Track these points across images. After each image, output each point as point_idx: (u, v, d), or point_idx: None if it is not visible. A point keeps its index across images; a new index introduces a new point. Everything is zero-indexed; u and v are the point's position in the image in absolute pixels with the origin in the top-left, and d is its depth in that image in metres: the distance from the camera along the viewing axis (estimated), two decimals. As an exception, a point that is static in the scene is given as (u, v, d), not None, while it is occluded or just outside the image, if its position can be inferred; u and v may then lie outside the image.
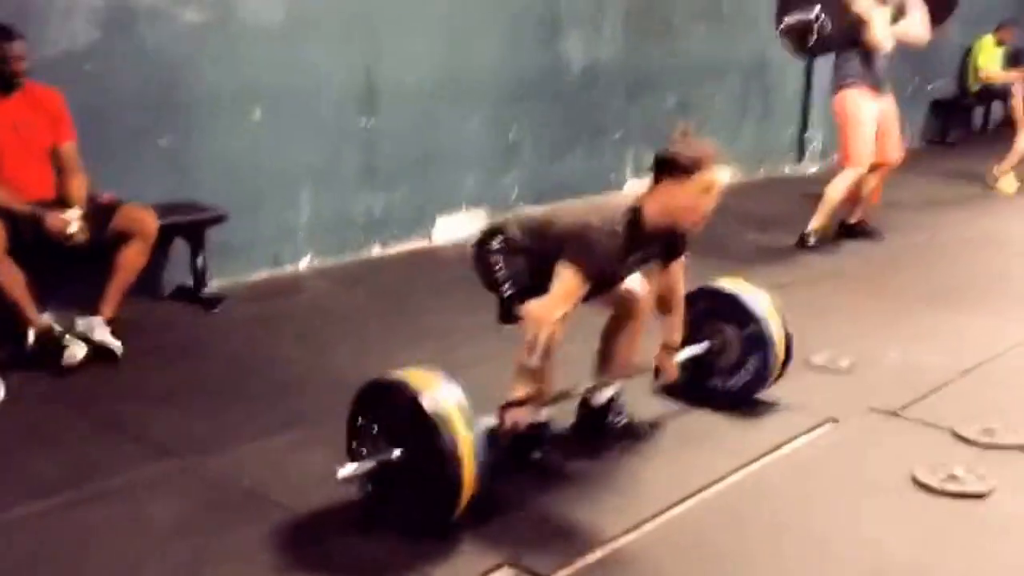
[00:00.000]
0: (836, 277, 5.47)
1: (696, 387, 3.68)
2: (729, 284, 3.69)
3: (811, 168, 8.65)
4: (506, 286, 3.15)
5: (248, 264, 5.12)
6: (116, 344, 4.00)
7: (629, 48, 6.86)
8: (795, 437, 3.44)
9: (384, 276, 5.35)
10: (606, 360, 3.41)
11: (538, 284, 3.01)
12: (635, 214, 3.04)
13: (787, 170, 8.61)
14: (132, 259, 4.12)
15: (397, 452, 2.75)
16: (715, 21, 7.51)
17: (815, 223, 6.10)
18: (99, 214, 4.09)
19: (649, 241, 3.10)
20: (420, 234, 5.90)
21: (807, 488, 3.14)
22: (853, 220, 6.37)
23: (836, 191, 6.12)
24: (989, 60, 10.63)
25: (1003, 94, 10.63)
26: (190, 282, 4.79)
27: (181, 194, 4.74)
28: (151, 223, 4.15)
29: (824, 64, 8.19)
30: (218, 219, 4.71)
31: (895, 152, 6.21)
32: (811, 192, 6.85)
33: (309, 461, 3.21)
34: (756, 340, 3.57)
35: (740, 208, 6.45)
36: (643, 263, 3.20)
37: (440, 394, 2.72)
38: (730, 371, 3.64)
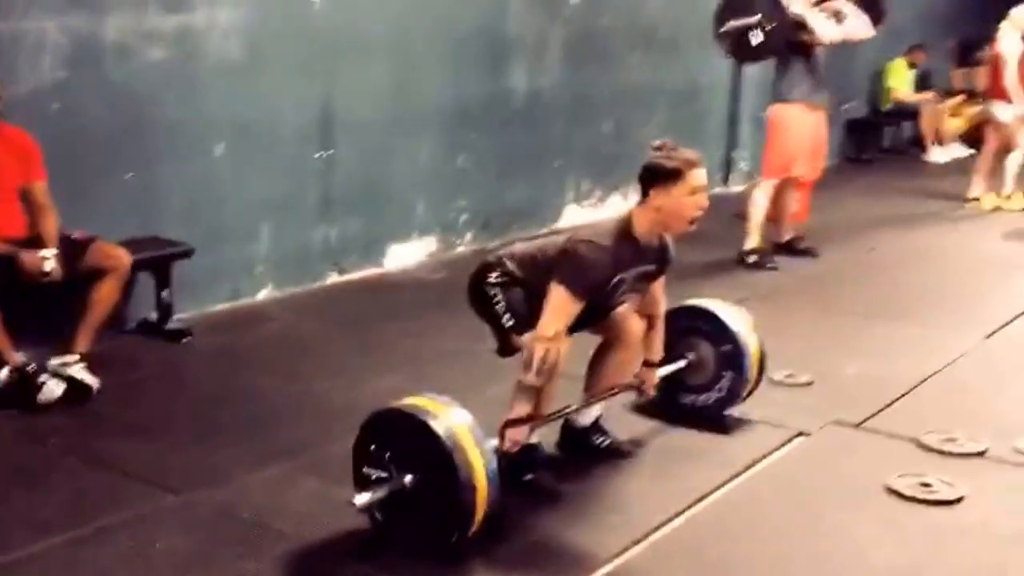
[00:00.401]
0: (782, 294, 5.69)
1: (668, 403, 3.83)
2: (706, 302, 3.84)
3: (737, 188, 8.94)
4: (506, 318, 3.25)
5: (209, 297, 5.12)
6: (92, 380, 3.98)
7: (568, 76, 7.05)
8: (771, 452, 3.60)
9: (344, 304, 5.40)
10: (593, 385, 3.52)
11: (535, 316, 3.12)
12: (626, 227, 3.18)
13: (716, 190, 8.88)
14: (106, 295, 4.11)
15: (409, 478, 2.81)
16: (648, 50, 7.75)
17: (751, 242, 6.34)
18: (72, 251, 4.06)
19: (641, 255, 3.23)
20: (374, 262, 5.96)
21: (789, 500, 3.30)
22: (786, 238, 6.64)
23: (757, 205, 6.37)
24: (900, 82, 11.15)
25: (914, 114, 11.21)
26: (153, 316, 4.78)
27: (144, 229, 4.74)
28: (125, 259, 4.15)
29: (750, 88, 8.59)
30: (186, 253, 4.72)
31: (817, 169, 6.49)
32: (743, 211, 7.14)
33: (305, 490, 3.27)
34: (732, 358, 3.72)
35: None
36: (638, 281, 3.31)
37: (451, 419, 2.81)
38: (704, 388, 3.80)
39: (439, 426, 2.78)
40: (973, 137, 11.49)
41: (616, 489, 3.36)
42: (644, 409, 3.89)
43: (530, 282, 3.22)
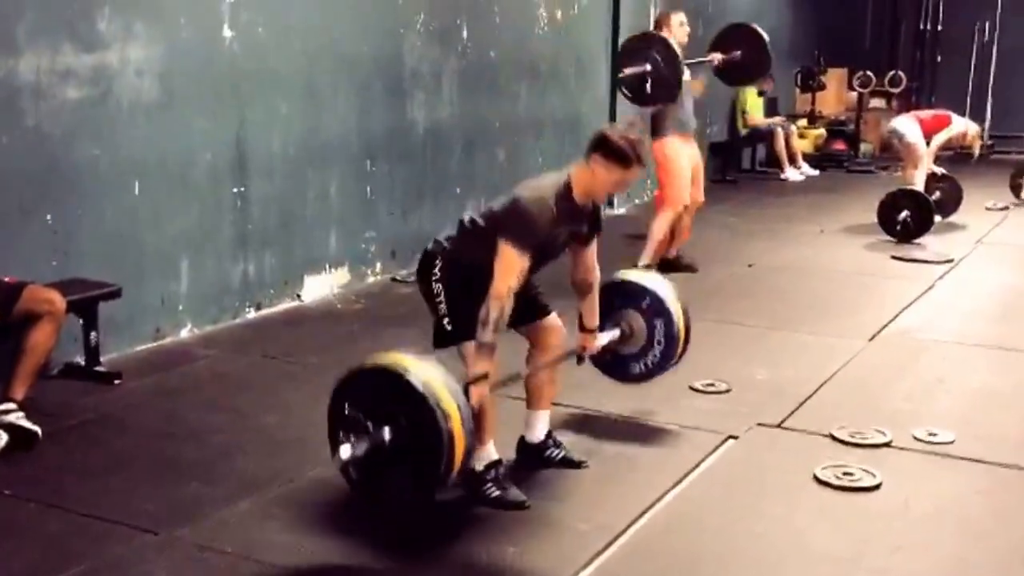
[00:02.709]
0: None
1: (624, 377, 4.12)
2: (619, 274, 4.11)
3: (620, 210, 9.38)
4: (446, 321, 3.42)
5: (131, 337, 5.10)
6: (34, 427, 3.95)
7: (464, 109, 7.30)
8: (708, 455, 3.91)
9: (267, 338, 5.45)
10: (533, 394, 3.74)
11: (474, 308, 3.25)
12: (566, 186, 3.40)
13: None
14: (42, 340, 4.06)
15: (387, 433, 2.93)
16: (534, 81, 8.09)
17: (645, 260, 6.72)
18: (3, 296, 4.03)
19: (575, 215, 3.44)
20: (289, 295, 6.04)
21: (732, 497, 3.61)
22: (671, 255, 7.06)
23: (660, 230, 6.79)
24: (753, 108, 11.89)
25: (767, 137, 11.97)
26: (79, 359, 4.75)
27: (63, 271, 4.71)
28: (59, 303, 4.12)
29: (625, 116, 9.02)
30: (112, 294, 4.70)
31: (701, 192, 7.01)
32: (628, 232, 7.55)
33: (282, 521, 3.36)
34: (656, 309, 3.99)
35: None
36: (572, 239, 3.52)
37: (424, 371, 2.95)
38: (644, 351, 4.04)
39: (414, 378, 2.91)
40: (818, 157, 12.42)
41: (575, 500, 3.58)
42: (585, 425, 4.16)
43: (472, 259, 3.33)
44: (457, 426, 2.90)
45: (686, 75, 6.61)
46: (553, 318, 3.68)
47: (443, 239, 3.51)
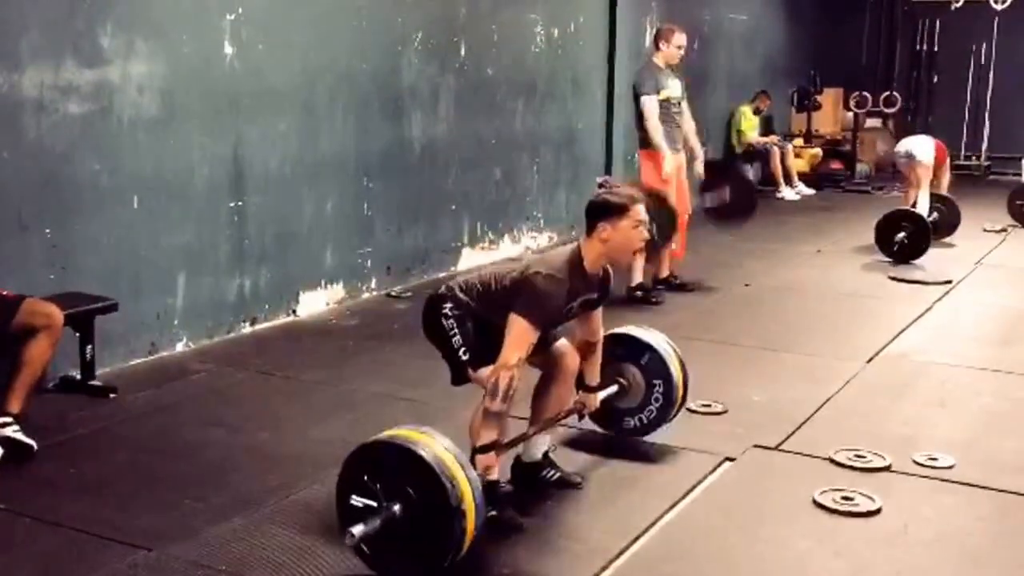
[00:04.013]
0: (679, 329, 5.95)
1: (617, 430, 4.13)
2: (622, 329, 4.13)
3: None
4: (462, 351, 3.44)
5: (127, 352, 5.09)
6: (30, 441, 3.93)
7: (461, 126, 7.31)
8: (704, 477, 3.90)
9: (262, 354, 5.43)
10: (537, 419, 3.74)
11: (488, 346, 3.32)
12: (576, 259, 3.46)
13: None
14: (39, 354, 4.05)
15: (398, 507, 2.93)
16: (531, 99, 8.10)
17: (638, 277, 6.73)
18: (1, 309, 4.02)
19: (588, 285, 3.51)
20: (285, 310, 6.03)
21: (730, 520, 3.59)
22: (664, 274, 7.06)
23: None
24: (749, 126, 11.92)
25: (763, 156, 11.99)
26: (75, 372, 4.73)
27: (61, 284, 4.70)
28: (57, 316, 4.11)
29: (620, 132, 9.06)
30: (109, 308, 4.70)
31: (686, 204, 7.01)
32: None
33: (275, 539, 3.34)
34: (656, 368, 4.02)
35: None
36: (582, 308, 3.57)
37: (437, 447, 2.96)
38: (641, 407, 4.06)
39: (427, 454, 2.92)
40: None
41: (571, 521, 3.57)
42: (582, 443, 4.15)
43: (483, 313, 3.43)
44: (469, 503, 2.91)
45: (677, 91, 6.71)
46: (563, 343, 3.69)
47: (452, 288, 3.52)
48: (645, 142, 6.71)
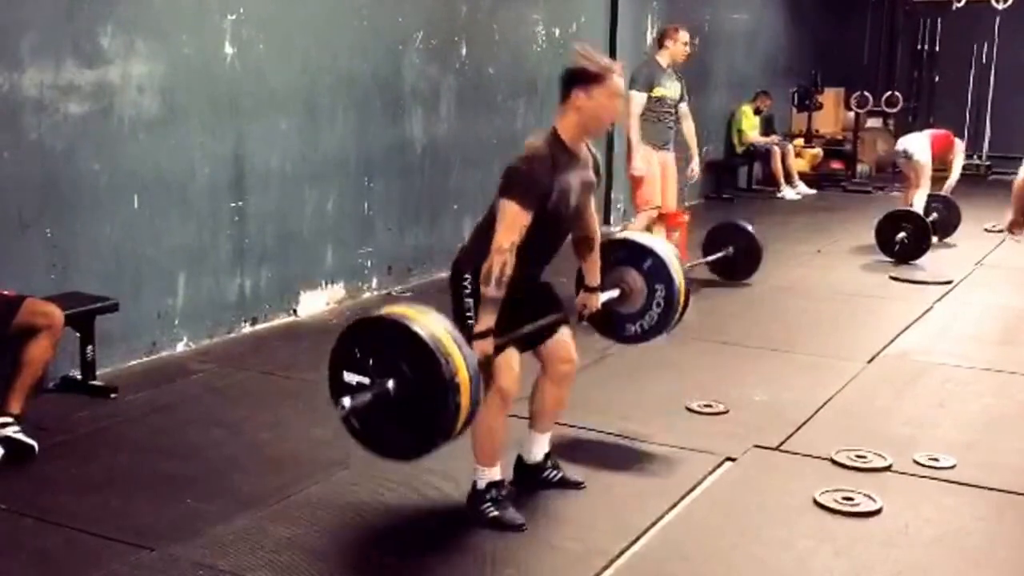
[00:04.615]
0: (680, 328, 6.01)
1: (618, 337, 4.12)
2: (623, 234, 4.14)
3: (617, 228, 9.36)
4: (468, 317, 3.35)
5: (128, 351, 5.09)
6: (31, 441, 3.94)
7: (462, 125, 7.31)
8: (705, 476, 3.90)
9: (263, 354, 5.43)
10: (536, 419, 3.73)
11: (508, 311, 3.25)
12: (552, 133, 3.37)
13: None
14: (39, 354, 4.06)
15: (391, 383, 2.91)
16: (531, 98, 8.09)
17: None
18: (2, 309, 4.02)
19: (576, 160, 3.40)
20: (285, 310, 6.03)
21: (731, 521, 3.59)
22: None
23: (639, 227, 6.85)
24: (749, 126, 11.92)
25: (764, 155, 11.99)
26: (75, 372, 4.73)
27: (61, 284, 4.70)
28: (58, 316, 4.12)
29: (619, 132, 9.02)
30: (109, 308, 4.70)
31: (672, 200, 7.05)
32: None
33: (277, 539, 3.34)
34: (658, 272, 3.98)
35: (571, 268, 6.98)
36: (583, 191, 3.45)
37: (432, 323, 2.94)
38: (642, 312, 4.03)
39: (421, 329, 2.90)
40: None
41: (574, 519, 3.57)
42: (582, 444, 4.15)
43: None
44: (464, 378, 2.87)
45: (674, 90, 6.76)
46: (564, 332, 3.65)
47: (466, 245, 3.49)
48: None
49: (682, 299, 4.03)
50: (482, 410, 3.27)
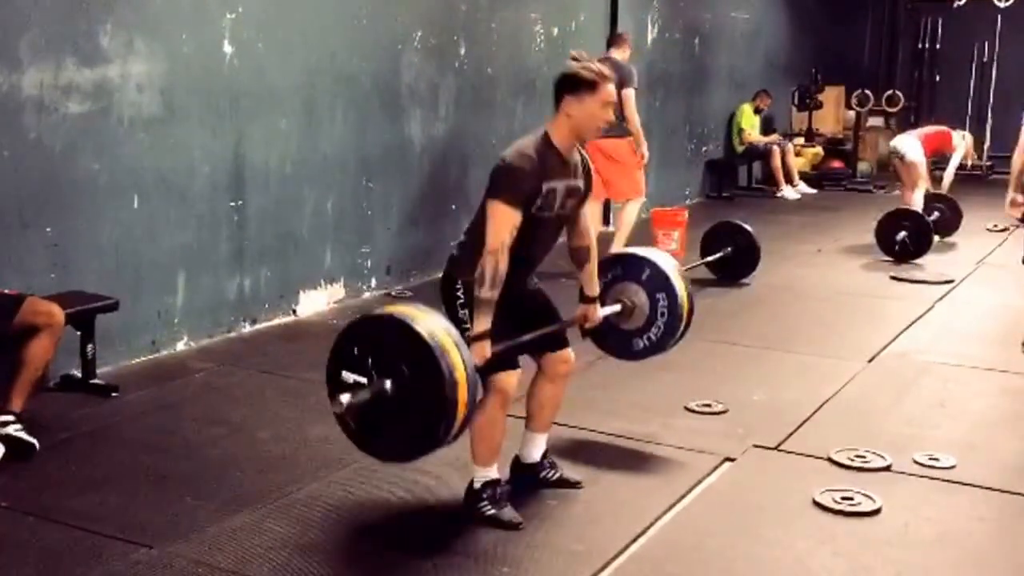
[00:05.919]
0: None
1: (628, 355, 4.11)
2: (618, 249, 4.11)
3: (613, 228, 9.35)
4: (465, 324, 3.34)
5: (128, 350, 5.10)
6: (31, 439, 3.94)
7: (460, 125, 7.32)
8: (705, 476, 3.90)
9: (262, 353, 5.44)
10: (533, 419, 3.73)
11: (502, 317, 3.26)
12: (544, 136, 3.35)
13: (598, 229, 9.28)
14: (40, 352, 4.07)
15: (389, 383, 2.91)
16: (530, 98, 8.09)
17: (619, 247, 6.86)
18: (3, 308, 4.03)
19: (566, 166, 3.38)
20: (284, 310, 6.03)
21: (730, 520, 3.59)
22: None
23: (630, 216, 7.44)
24: (749, 125, 11.91)
25: (764, 154, 11.99)
26: (76, 371, 4.74)
27: (62, 283, 4.71)
28: (58, 315, 4.13)
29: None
30: (110, 307, 4.70)
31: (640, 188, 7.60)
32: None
33: (275, 537, 3.35)
34: (657, 282, 3.96)
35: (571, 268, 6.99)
36: (569, 196, 3.42)
37: (431, 322, 2.94)
38: (647, 325, 4.01)
39: (421, 328, 2.90)
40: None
41: (573, 519, 3.57)
42: (581, 444, 4.15)
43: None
44: (461, 376, 2.87)
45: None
46: (568, 351, 3.66)
47: (455, 253, 3.46)
48: (622, 131, 7.09)
49: (686, 308, 4.00)
50: (480, 410, 3.28)
